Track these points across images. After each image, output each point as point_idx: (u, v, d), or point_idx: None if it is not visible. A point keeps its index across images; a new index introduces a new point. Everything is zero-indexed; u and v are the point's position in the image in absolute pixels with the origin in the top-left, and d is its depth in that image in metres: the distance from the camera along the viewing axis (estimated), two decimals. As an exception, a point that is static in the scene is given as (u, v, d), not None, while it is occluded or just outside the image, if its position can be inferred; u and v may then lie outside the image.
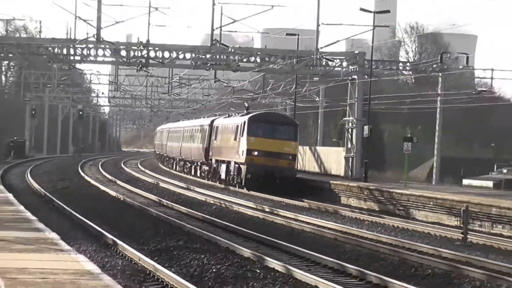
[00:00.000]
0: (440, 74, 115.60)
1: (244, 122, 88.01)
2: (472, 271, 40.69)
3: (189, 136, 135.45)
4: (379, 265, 41.33)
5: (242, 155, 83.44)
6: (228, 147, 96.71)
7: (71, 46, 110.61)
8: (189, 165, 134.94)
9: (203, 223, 60.07)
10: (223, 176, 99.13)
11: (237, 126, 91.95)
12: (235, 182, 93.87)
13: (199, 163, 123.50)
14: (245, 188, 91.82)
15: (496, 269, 42.00)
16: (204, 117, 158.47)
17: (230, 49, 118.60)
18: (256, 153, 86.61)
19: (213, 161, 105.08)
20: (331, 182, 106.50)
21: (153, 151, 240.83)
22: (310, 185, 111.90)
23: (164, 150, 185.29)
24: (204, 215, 66.26)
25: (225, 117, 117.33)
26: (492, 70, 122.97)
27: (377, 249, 49.87)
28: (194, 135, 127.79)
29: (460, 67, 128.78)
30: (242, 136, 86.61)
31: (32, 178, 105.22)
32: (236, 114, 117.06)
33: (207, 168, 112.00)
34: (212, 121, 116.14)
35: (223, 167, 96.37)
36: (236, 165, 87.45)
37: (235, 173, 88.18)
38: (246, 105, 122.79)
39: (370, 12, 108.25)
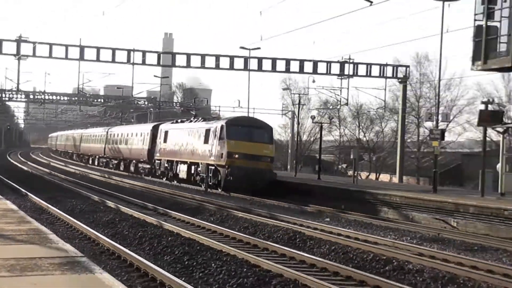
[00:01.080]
0: (194, 108, 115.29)
1: (222, 126, 61.09)
2: (209, 206, 41.50)
3: (120, 139, 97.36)
4: (164, 203, 41.22)
5: (222, 157, 56.90)
6: (191, 149, 66.85)
7: (4, 92, 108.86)
8: (117, 162, 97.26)
9: (73, 183, 58.95)
10: (182, 175, 68.95)
11: (207, 130, 63.96)
12: (209, 183, 62.62)
13: (135, 161, 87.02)
14: (220, 190, 60.23)
15: (222, 205, 42.64)
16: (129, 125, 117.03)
17: (87, 95, 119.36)
18: (237, 155, 58.75)
19: (163, 161, 73.92)
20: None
21: (46, 148, 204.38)
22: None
23: (76, 149, 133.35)
24: (74, 179, 65.29)
25: (174, 123, 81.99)
26: (220, 106, 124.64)
27: (163, 196, 50.58)
28: (130, 138, 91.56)
29: (204, 104, 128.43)
30: (220, 139, 59.07)
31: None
32: (190, 120, 78.64)
33: (149, 166, 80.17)
34: (156, 127, 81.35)
35: (183, 167, 67.84)
36: (212, 167, 59.79)
37: (211, 175, 60.16)
38: (194, 113, 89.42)
39: (159, 77, 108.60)
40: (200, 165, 61.89)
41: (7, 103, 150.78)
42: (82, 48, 61.07)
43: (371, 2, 29.51)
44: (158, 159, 72.34)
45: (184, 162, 66.27)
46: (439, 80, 67.01)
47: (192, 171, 64.62)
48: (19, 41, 59.88)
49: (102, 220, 32.02)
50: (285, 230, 29.81)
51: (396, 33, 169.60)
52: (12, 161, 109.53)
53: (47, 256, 16.88)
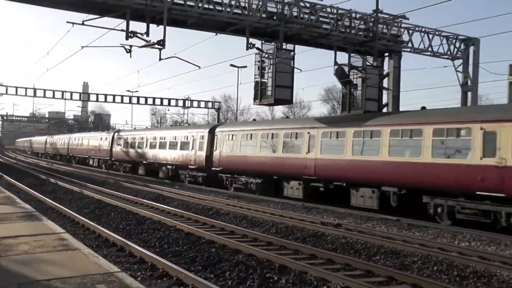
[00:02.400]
0: (100, 125, 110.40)
1: None
2: (111, 180, 40.14)
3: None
4: (90, 180, 40.14)
5: None
6: None
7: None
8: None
9: (30, 169, 56.00)
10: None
11: None
12: None
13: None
14: None
15: (137, 184, 40.99)
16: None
17: (38, 117, 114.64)
18: None
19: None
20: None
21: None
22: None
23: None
24: (31, 166, 61.99)
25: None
26: (115, 124, 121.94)
27: (89, 176, 47.67)
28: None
29: (106, 123, 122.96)
30: None
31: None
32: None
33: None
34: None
35: None
36: None
37: None
38: None
39: (80, 107, 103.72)
40: None
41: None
42: (35, 90, 60.18)
43: (199, 67, 29.84)
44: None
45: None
46: (237, 110, 71.53)
47: None
48: (-5, 85, 58.47)
49: (47, 190, 31.12)
50: (154, 193, 29.91)
51: (213, 81, 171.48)
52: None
53: (14, 212, 16.78)
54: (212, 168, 33.95)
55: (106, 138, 57.90)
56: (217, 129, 34.67)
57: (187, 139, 38.69)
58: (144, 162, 46.54)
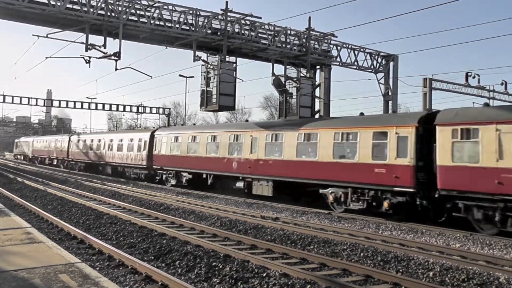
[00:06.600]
0: (62, 129, 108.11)
1: None
2: (71, 178, 39.20)
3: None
4: (53, 179, 39.08)
5: None
6: None
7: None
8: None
9: (1, 169, 54.71)
10: None
11: None
12: None
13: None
14: None
15: (95, 183, 40.16)
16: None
17: (7, 121, 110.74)
18: None
19: None
20: None
21: None
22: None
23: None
24: (0, 167, 60.59)
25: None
26: (76, 128, 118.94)
27: (52, 175, 46.46)
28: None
29: (67, 127, 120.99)
30: None
31: None
32: None
33: None
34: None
35: None
36: None
37: None
38: None
39: (44, 112, 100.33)
40: None
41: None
42: (4, 97, 58.68)
43: (151, 76, 29.67)
44: None
45: None
46: (185, 115, 71.39)
47: None
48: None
49: (14, 188, 30.19)
50: (111, 191, 29.34)
51: (164, 89, 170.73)
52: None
53: (-17, 209, 16.23)
54: (153, 166, 35.76)
55: (64, 140, 58.25)
56: (156, 133, 36.71)
57: (132, 141, 39.92)
58: (90, 161, 47.92)
